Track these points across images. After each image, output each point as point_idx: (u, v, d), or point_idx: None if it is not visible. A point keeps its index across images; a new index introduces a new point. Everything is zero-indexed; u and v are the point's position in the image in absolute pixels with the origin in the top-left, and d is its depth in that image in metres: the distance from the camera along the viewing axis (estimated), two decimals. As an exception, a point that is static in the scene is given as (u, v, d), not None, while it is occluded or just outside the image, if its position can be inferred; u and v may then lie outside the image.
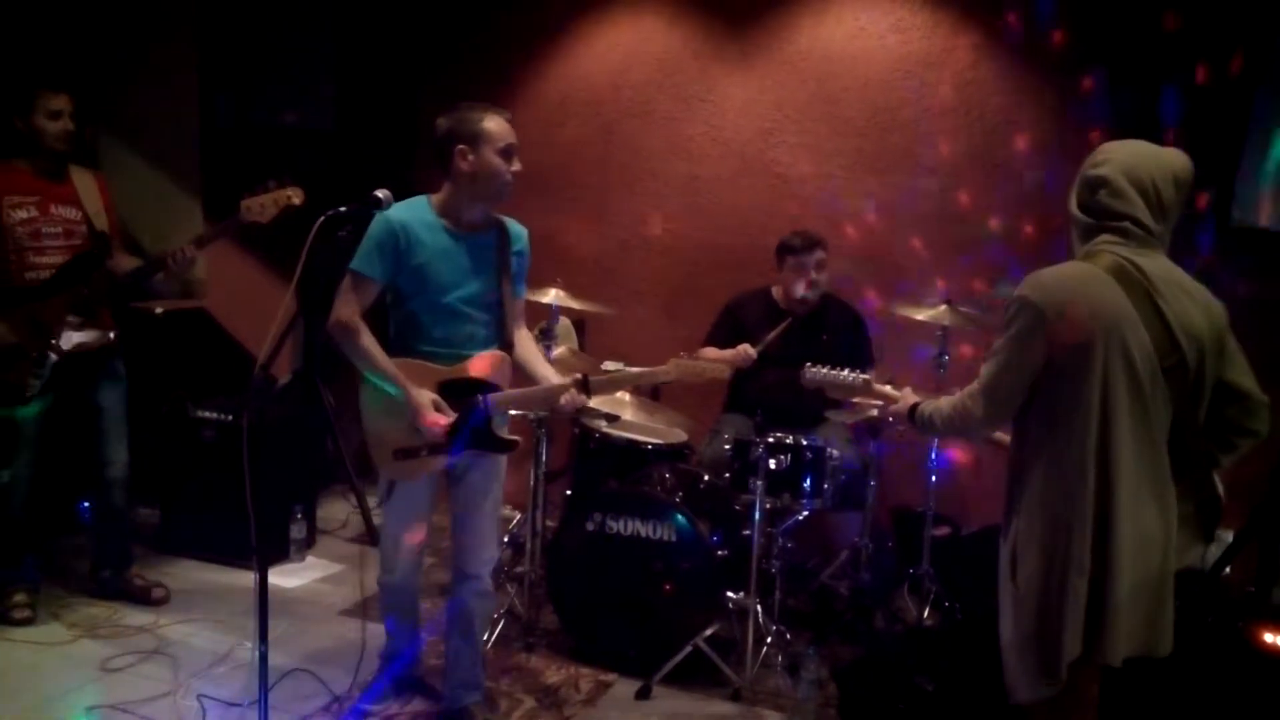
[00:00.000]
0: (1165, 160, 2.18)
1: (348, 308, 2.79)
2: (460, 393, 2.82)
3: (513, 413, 3.88)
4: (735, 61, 4.80)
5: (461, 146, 2.76)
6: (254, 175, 3.47)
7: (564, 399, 2.82)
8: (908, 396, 2.57)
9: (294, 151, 5.06)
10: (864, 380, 2.70)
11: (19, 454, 3.54)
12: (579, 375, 2.85)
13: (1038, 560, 2.16)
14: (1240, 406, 2.24)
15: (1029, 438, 2.21)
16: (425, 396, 2.78)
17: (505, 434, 2.92)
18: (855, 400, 2.76)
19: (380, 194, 2.74)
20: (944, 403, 2.38)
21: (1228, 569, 3.59)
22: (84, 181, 3.62)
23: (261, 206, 3.33)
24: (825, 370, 2.78)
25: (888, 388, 2.65)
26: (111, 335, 3.63)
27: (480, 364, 2.84)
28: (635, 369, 3.13)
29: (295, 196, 3.33)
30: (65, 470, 3.87)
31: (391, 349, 2.85)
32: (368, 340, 2.79)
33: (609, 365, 4.55)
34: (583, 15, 5.00)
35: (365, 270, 2.77)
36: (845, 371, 2.75)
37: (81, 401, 3.65)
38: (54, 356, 3.45)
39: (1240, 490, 4.08)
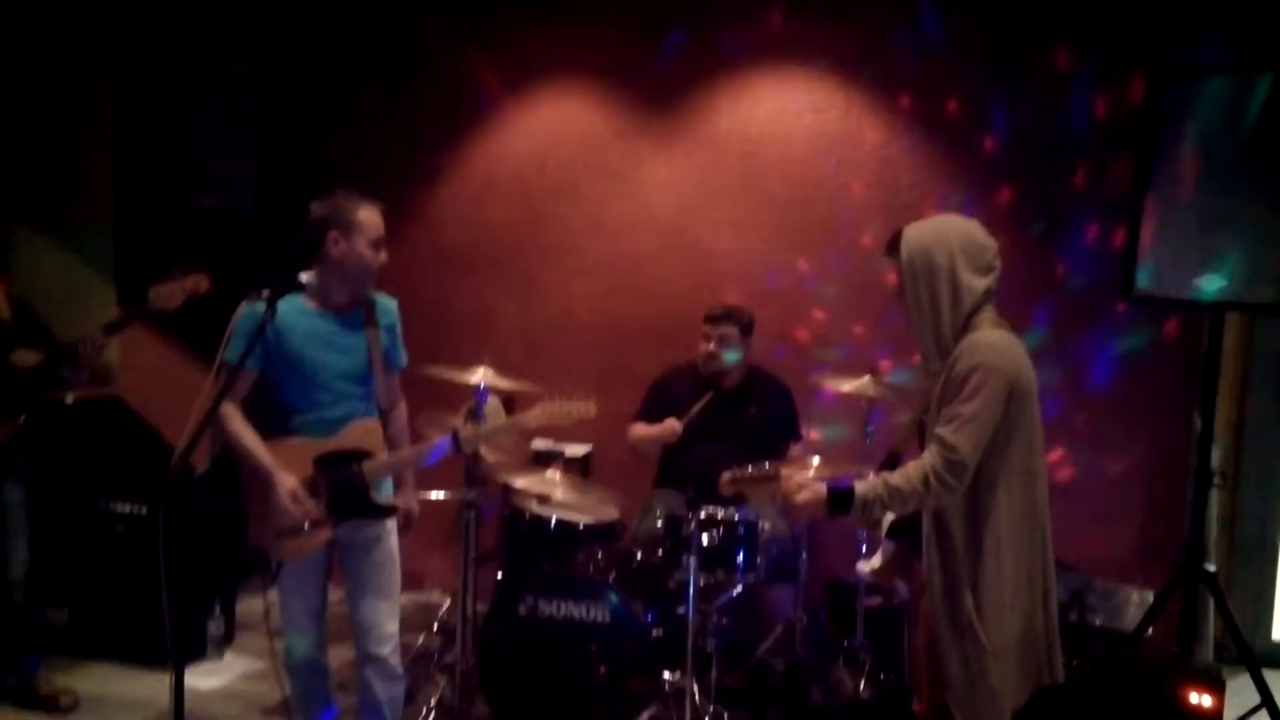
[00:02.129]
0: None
1: (226, 397, 2.84)
2: (336, 464, 2.90)
3: (437, 496, 3.86)
4: (658, 140, 4.89)
5: (334, 233, 2.90)
6: (171, 259, 3.44)
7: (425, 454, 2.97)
8: (815, 488, 2.45)
9: (213, 234, 4.98)
10: (775, 468, 2.71)
11: None
12: (452, 429, 3.02)
13: (1015, 599, 2.37)
14: None
15: (986, 497, 2.38)
16: (287, 483, 2.84)
17: (385, 500, 3.00)
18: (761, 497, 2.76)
19: (304, 277, 2.79)
20: (897, 481, 2.35)
21: (1149, 630, 3.66)
22: None
23: (169, 294, 3.38)
24: (737, 473, 2.72)
25: (797, 475, 2.56)
26: (14, 428, 3.50)
27: (353, 434, 2.95)
28: (505, 420, 3.21)
29: (201, 284, 3.41)
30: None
31: (270, 430, 2.94)
32: (237, 425, 2.90)
33: (538, 444, 4.53)
34: (506, 96, 5.06)
35: (234, 360, 2.82)
36: (752, 468, 2.71)
37: None
38: None
39: (1159, 550, 4.24)
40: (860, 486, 2.38)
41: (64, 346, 3.45)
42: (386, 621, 3.03)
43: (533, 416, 3.02)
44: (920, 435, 2.62)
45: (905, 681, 3.81)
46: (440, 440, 3.00)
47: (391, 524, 3.07)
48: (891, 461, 2.92)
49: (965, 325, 2.43)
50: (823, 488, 2.43)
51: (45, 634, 3.89)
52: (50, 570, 3.74)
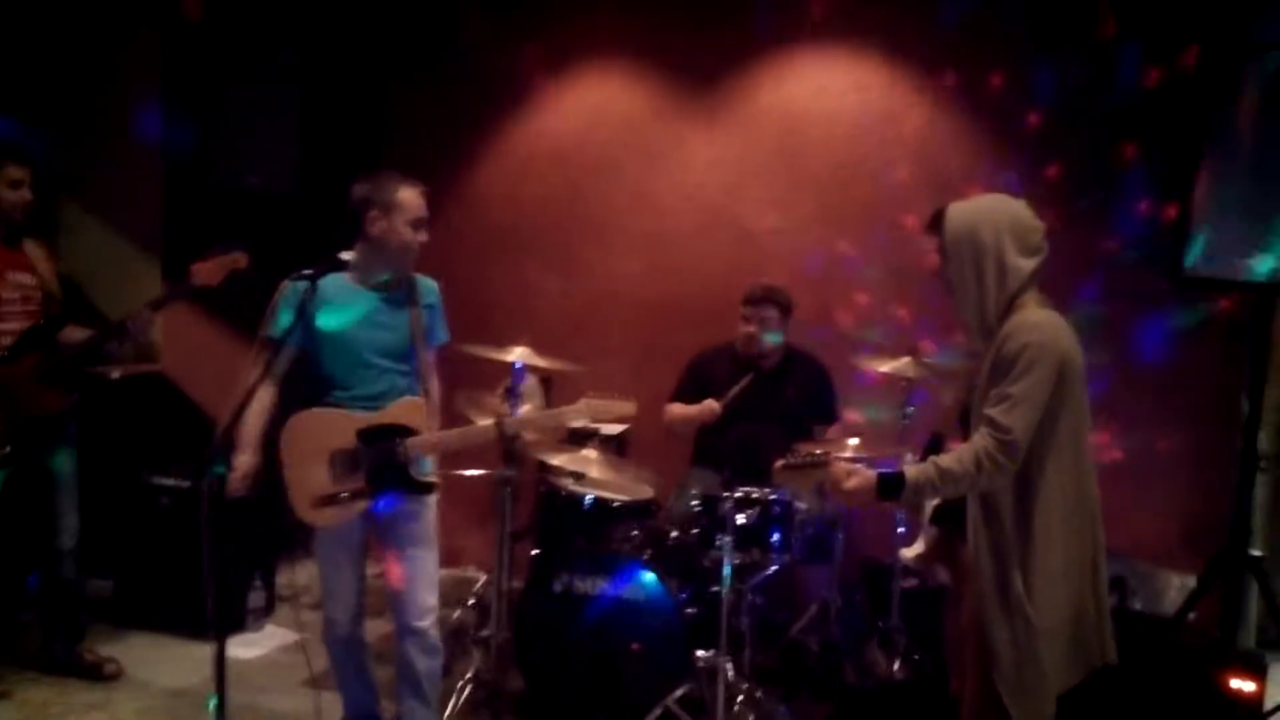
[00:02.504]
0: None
1: (252, 371, 2.88)
2: (379, 438, 2.94)
3: (474, 473, 3.89)
4: (699, 119, 4.86)
5: (374, 212, 2.93)
6: (215, 238, 3.49)
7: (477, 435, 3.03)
8: (865, 473, 2.41)
9: (256, 214, 5.04)
10: (826, 454, 2.64)
11: None
12: (498, 417, 3.09)
13: (1066, 580, 2.34)
14: None
15: (1036, 477, 2.34)
16: (243, 464, 2.93)
17: (425, 477, 3.02)
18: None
19: (345, 256, 2.82)
20: (948, 464, 2.31)
21: (1192, 615, 3.60)
22: (34, 249, 3.60)
23: (210, 270, 3.45)
24: (790, 460, 2.59)
25: (844, 466, 2.47)
26: (67, 402, 3.58)
27: (397, 410, 2.98)
28: (549, 410, 3.22)
29: (240, 261, 3.49)
30: (13, 541, 3.77)
31: (308, 402, 3.00)
32: (253, 405, 2.88)
33: (591, 399, 4.53)
34: (548, 75, 5.06)
35: (277, 335, 2.87)
36: (803, 455, 2.60)
37: (36, 469, 3.58)
38: (7, 449, 3.42)
39: (1202, 534, 4.15)
40: (911, 471, 2.34)
41: (113, 323, 3.53)
42: (425, 595, 3.06)
43: (574, 411, 3.05)
44: (964, 417, 2.58)
45: (941, 662, 3.79)
46: (485, 426, 3.05)
47: (431, 500, 3.09)
48: (934, 445, 2.88)
49: (1010, 306, 2.38)
50: (872, 473, 2.39)
51: (90, 604, 3.97)
52: (96, 542, 3.81)
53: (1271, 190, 3.45)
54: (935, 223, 2.51)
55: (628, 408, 3.05)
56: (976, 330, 2.44)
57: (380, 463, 2.93)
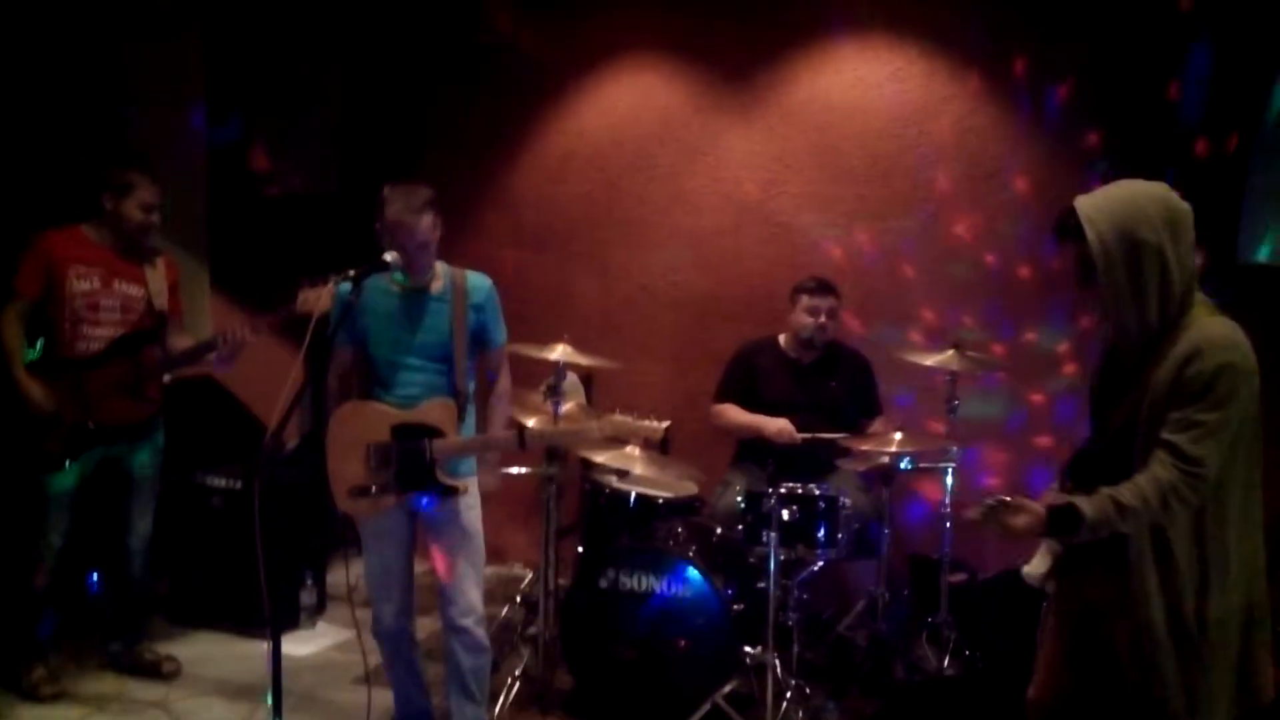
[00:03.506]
0: None
1: (329, 371, 3.09)
2: (410, 436, 2.98)
3: (519, 471, 3.91)
4: (736, 114, 4.85)
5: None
6: (260, 241, 3.51)
7: (497, 441, 3.06)
8: (1033, 509, 2.17)
9: (299, 215, 5.10)
10: (1010, 498, 2.25)
11: (50, 523, 3.53)
12: (519, 427, 3.11)
13: (1239, 609, 2.17)
14: None
15: (1215, 510, 2.15)
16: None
17: (458, 478, 3.04)
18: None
19: (389, 257, 2.85)
20: (1129, 500, 2.09)
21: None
22: (157, 264, 3.68)
23: (318, 297, 3.15)
24: (987, 507, 2.22)
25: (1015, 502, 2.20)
26: (155, 407, 3.69)
27: (427, 410, 3.01)
28: (570, 428, 3.20)
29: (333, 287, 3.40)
30: (81, 541, 3.85)
31: (361, 393, 3.10)
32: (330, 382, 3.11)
33: (617, 418, 4.53)
34: (584, 72, 5.07)
35: (325, 335, 2.93)
36: (994, 500, 2.23)
37: (117, 468, 3.66)
38: (90, 427, 3.49)
39: None
40: (1089, 509, 2.10)
41: (208, 339, 3.59)
42: (469, 593, 3.09)
43: (599, 428, 3.06)
44: (1095, 404, 2.35)
45: (993, 657, 3.76)
46: (506, 436, 3.07)
47: (471, 499, 3.10)
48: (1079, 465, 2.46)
49: (1180, 308, 2.14)
50: (1041, 509, 2.17)
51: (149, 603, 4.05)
52: (153, 542, 3.88)
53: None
54: (1066, 226, 2.21)
55: (653, 429, 3.03)
56: (1135, 338, 2.18)
57: (409, 460, 2.97)
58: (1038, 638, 2.48)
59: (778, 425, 3.95)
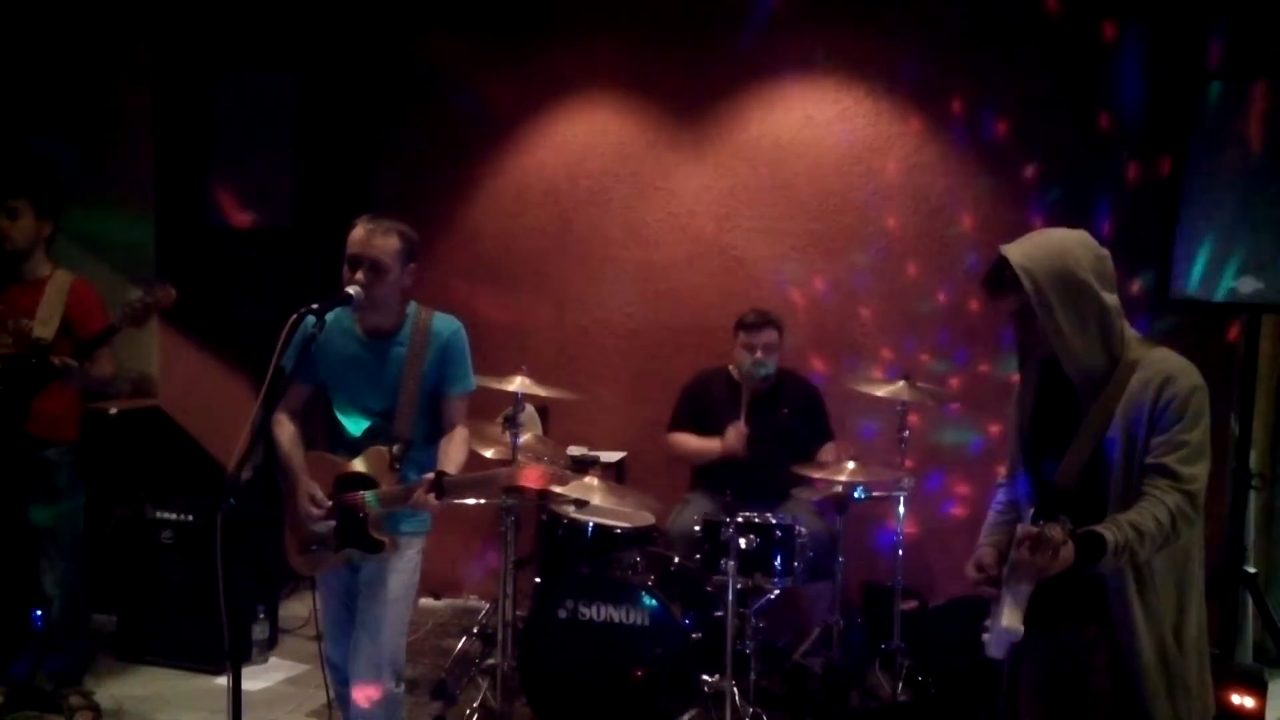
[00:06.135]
0: None
1: (279, 406, 2.82)
2: (350, 487, 2.83)
3: (474, 501, 3.87)
4: (689, 150, 4.94)
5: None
6: (211, 274, 3.45)
7: (414, 498, 2.71)
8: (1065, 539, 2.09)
9: (252, 249, 5.06)
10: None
11: None
12: (432, 475, 2.73)
13: (1203, 644, 2.24)
14: None
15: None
16: (306, 488, 2.82)
17: (380, 534, 2.80)
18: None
19: (352, 290, 2.77)
20: (1145, 525, 2.08)
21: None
22: (57, 283, 3.61)
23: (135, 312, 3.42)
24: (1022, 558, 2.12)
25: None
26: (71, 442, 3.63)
27: (363, 460, 2.84)
28: (483, 473, 2.85)
29: (168, 297, 3.44)
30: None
31: (318, 443, 2.97)
32: (279, 433, 2.90)
33: (573, 450, 4.56)
34: (538, 108, 5.12)
35: (287, 368, 2.72)
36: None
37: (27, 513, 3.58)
38: None
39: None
40: (1109, 536, 2.07)
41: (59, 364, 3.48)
42: (367, 648, 2.85)
43: (507, 474, 2.85)
44: (1026, 445, 2.36)
45: (943, 684, 3.82)
46: (424, 480, 2.73)
47: (404, 563, 2.87)
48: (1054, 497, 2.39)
49: (1121, 342, 2.20)
50: (1068, 539, 2.09)
51: (95, 639, 3.95)
52: (100, 577, 3.81)
53: (1257, 213, 3.54)
54: (1003, 279, 2.23)
55: (563, 476, 3.06)
56: (1087, 377, 2.21)
57: (343, 515, 2.81)
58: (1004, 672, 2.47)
59: (732, 433, 4.01)
